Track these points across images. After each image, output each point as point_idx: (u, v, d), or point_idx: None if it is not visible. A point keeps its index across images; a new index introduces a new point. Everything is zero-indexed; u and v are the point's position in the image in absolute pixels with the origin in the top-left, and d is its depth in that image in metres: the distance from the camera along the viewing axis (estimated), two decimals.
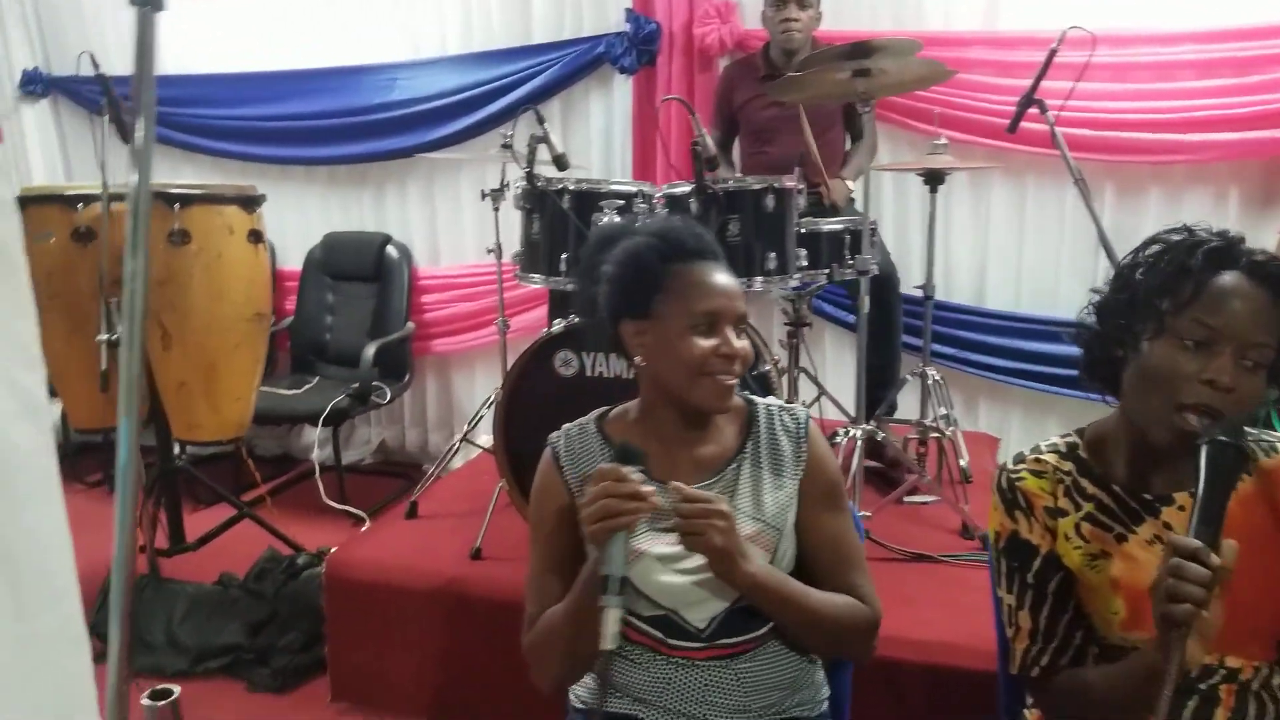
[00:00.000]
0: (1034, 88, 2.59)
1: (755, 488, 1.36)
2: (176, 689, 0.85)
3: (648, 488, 1.19)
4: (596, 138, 3.78)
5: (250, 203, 2.96)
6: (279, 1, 4.06)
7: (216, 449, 3.49)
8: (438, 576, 2.37)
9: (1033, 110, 2.59)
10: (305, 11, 4.04)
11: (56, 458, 1.21)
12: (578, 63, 3.71)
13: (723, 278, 1.33)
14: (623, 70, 3.66)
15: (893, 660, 1.85)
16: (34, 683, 1.20)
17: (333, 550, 2.74)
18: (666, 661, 1.33)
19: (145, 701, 0.83)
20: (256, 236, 2.94)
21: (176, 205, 2.77)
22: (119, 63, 3.57)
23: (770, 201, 2.38)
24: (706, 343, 1.29)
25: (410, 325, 3.99)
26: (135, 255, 0.86)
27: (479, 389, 4.08)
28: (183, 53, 4.20)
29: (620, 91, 3.72)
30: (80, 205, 2.93)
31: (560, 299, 3.00)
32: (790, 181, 2.41)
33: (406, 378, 3.99)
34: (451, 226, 4.07)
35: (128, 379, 0.89)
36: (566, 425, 1.45)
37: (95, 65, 2.85)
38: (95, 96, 4.08)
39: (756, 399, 1.44)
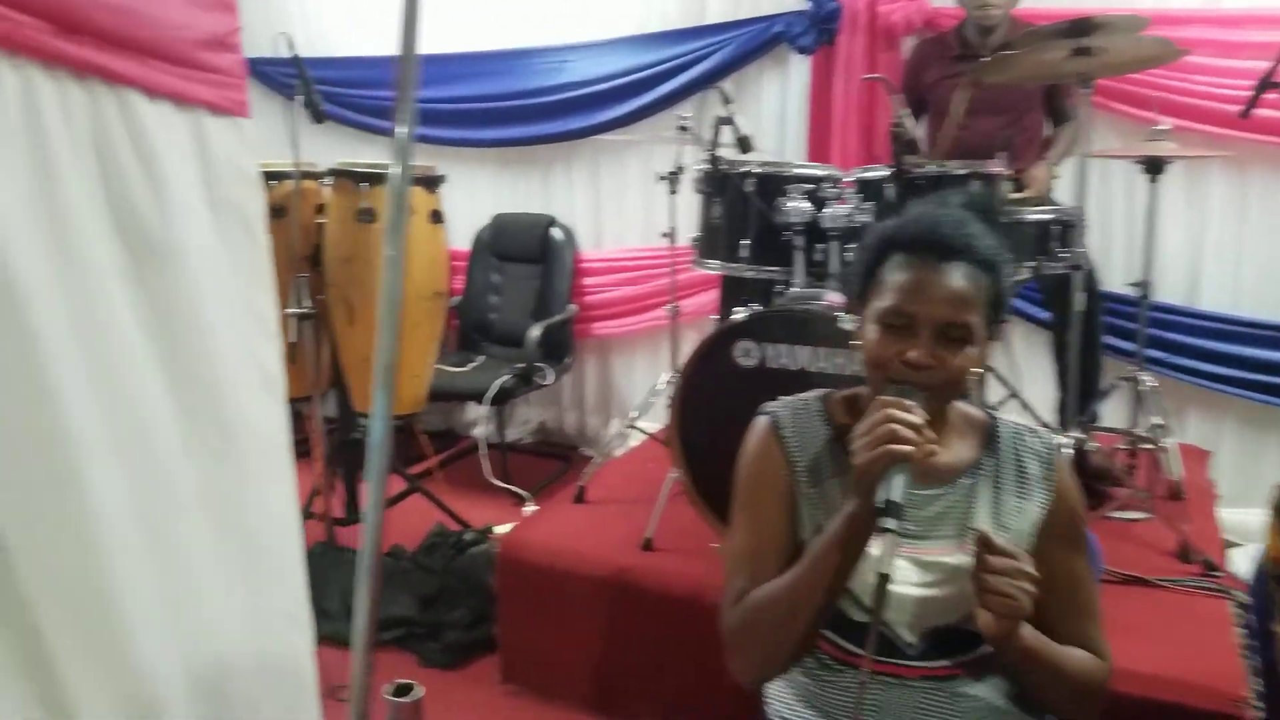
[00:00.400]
0: (1274, 69, 2.34)
1: (995, 509, 1.26)
2: (420, 688, 0.81)
3: (930, 432, 1.12)
4: (770, 120, 3.67)
5: (432, 183, 3.00)
6: None
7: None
8: (609, 565, 2.34)
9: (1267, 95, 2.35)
10: None
11: (289, 432, 1.24)
12: (753, 43, 3.61)
13: (938, 279, 1.19)
14: (801, 50, 3.54)
15: (1119, 695, 1.69)
16: (262, 658, 1.23)
17: (498, 528, 2.77)
18: (873, 680, 1.23)
19: (388, 697, 0.80)
20: (437, 216, 2.98)
21: (363, 184, 2.83)
22: (303, 44, 3.68)
23: (975, 189, 2.22)
24: (892, 343, 1.19)
25: (573, 307, 3.99)
26: (394, 240, 0.83)
27: (639, 374, 4.04)
28: (356, 37, 4.32)
29: (797, 72, 3.60)
30: (272, 183, 3.03)
31: (735, 285, 2.92)
32: (997, 167, 2.25)
33: (568, 360, 3.99)
34: (615, 209, 4.04)
35: (385, 358, 0.87)
36: (784, 398, 1.37)
37: (291, 46, 2.92)
38: (283, 78, 4.24)
39: (1000, 415, 1.34)
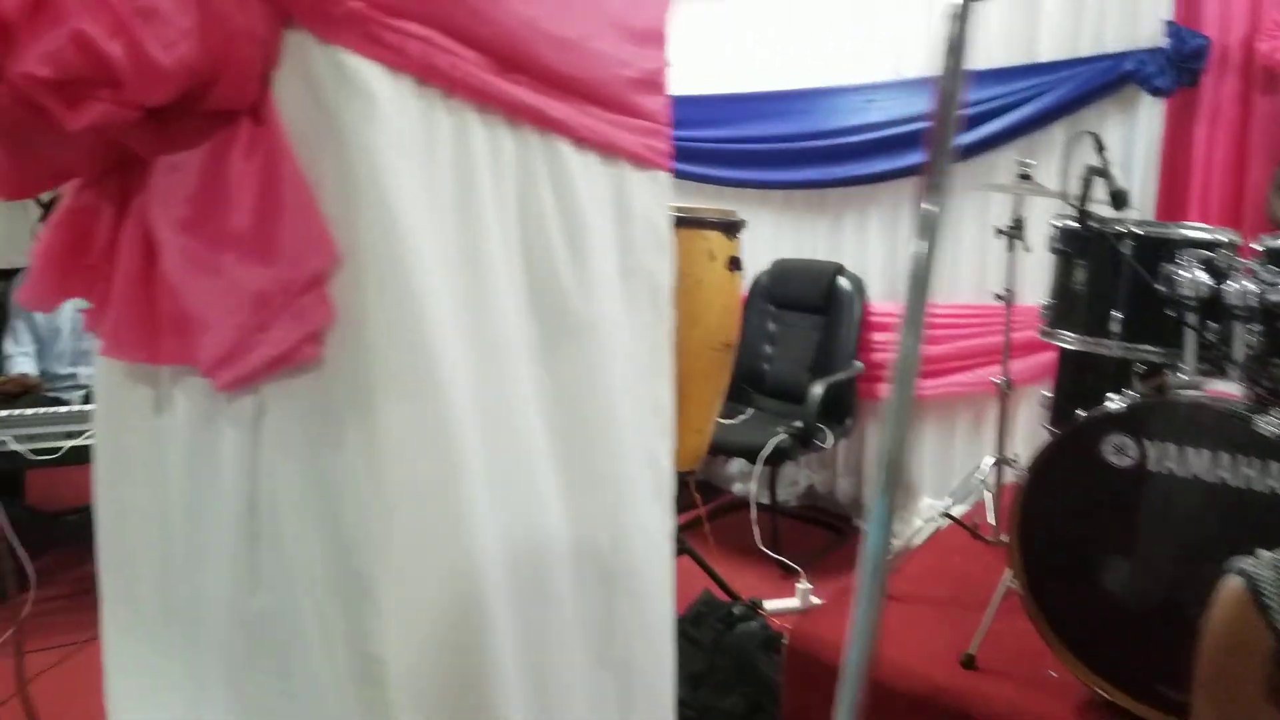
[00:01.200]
0: None
1: None
2: None
3: None
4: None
5: (732, 228, 2.81)
6: (763, 22, 3.96)
7: None
8: (922, 680, 2.01)
9: None
10: (782, 31, 3.91)
11: (675, 541, 1.05)
12: (1094, 83, 3.18)
13: None
14: (1154, 92, 3.07)
15: None
16: None
17: (768, 604, 2.50)
18: None
19: None
20: (735, 263, 2.79)
21: None
22: None
23: None
24: None
25: (858, 365, 3.68)
26: (911, 330, 0.61)
27: (930, 444, 3.65)
28: None
29: (1146, 117, 3.13)
30: None
31: (1076, 361, 2.51)
32: None
33: (849, 421, 3.67)
34: None
35: (890, 455, 0.65)
36: (1266, 554, 1.09)
37: None
38: None
39: None
